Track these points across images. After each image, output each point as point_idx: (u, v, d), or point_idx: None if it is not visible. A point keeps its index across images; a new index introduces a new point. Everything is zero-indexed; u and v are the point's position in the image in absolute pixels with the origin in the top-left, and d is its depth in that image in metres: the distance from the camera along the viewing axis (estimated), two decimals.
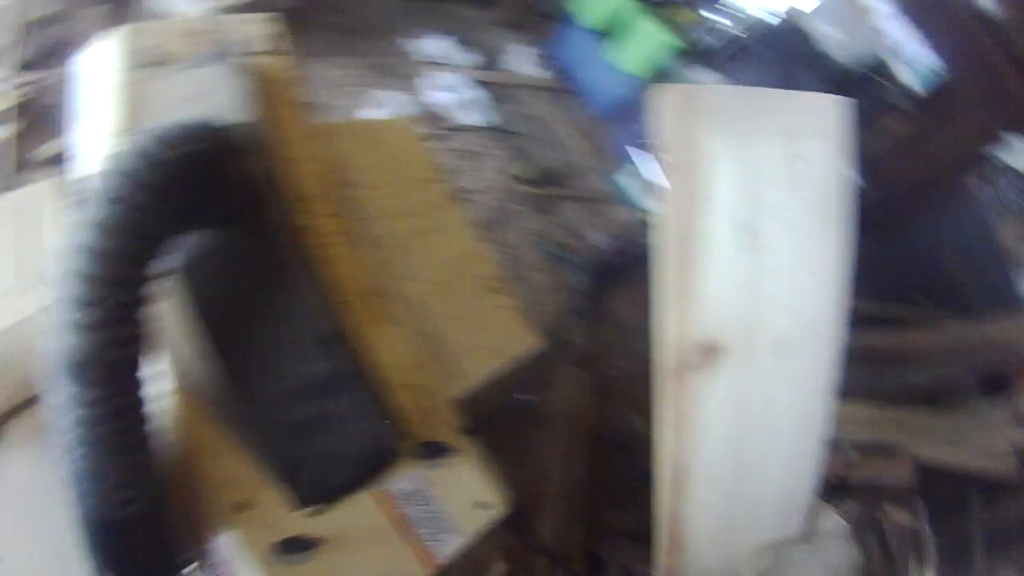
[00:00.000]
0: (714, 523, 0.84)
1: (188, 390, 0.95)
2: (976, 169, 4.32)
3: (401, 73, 4.03)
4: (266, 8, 3.47)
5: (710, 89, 0.60)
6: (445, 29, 4.39)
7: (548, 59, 4.52)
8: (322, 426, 0.95)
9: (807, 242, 0.67)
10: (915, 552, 2.63)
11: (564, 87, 4.45)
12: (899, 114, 4.89)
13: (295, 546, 0.90)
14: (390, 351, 1.16)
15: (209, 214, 0.93)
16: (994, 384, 3.25)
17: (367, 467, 1.00)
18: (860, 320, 3.31)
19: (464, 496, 1.11)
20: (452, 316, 1.58)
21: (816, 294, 0.71)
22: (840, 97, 0.69)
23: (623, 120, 4.34)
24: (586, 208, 3.84)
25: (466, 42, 4.34)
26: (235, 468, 0.94)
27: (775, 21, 3.96)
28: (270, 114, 1.23)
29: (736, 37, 3.99)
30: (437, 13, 4.52)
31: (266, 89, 1.27)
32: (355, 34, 4.13)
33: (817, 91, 3.77)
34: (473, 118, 3.86)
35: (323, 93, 3.69)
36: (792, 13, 3.87)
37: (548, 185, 3.84)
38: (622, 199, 3.89)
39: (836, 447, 2.73)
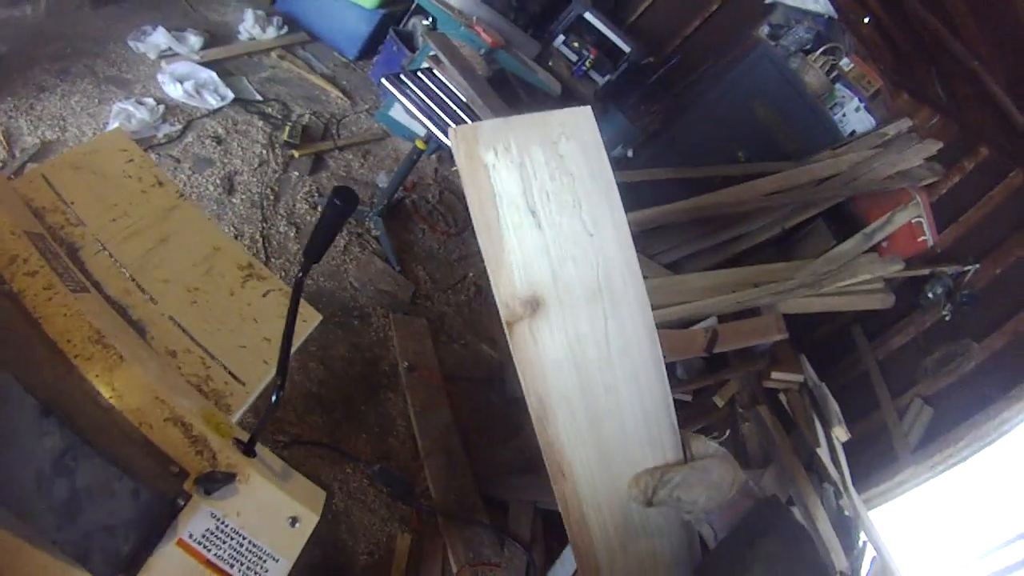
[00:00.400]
0: (588, 450, 0.99)
1: None
2: (756, 16, 4.94)
3: (135, 78, 4.07)
4: None
5: (490, 123, 0.86)
6: (166, 19, 4.43)
7: (278, 15, 4.66)
8: (85, 499, 0.94)
9: (577, 212, 0.98)
10: (815, 409, 3.13)
11: (302, 40, 4.61)
12: None
13: None
14: (133, 392, 1.15)
15: None
16: (842, 223, 3.83)
17: (149, 526, 0.98)
18: (689, 186, 3.83)
19: (270, 518, 1.10)
20: (215, 321, 1.66)
21: (603, 246, 0.99)
22: (586, 107, 1.00)
23: (370, 56, 4.62)
24: (361, 152, 4.06)
25: (189, 25, 4.39)
26: (40, 564, 0.99)
27: None
28: None
29: None
30: (154, 5, 4.56)
31: None
32: (80, 55, 4.13)
33: None
34: (215, 99, 3.95)
35: (63, 125, 3.76)
36: None
37: (319, 141, 4.02)
38: (395, 132, 4.23)
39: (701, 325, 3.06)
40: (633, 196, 3.90)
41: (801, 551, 0.91)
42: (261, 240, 3.45)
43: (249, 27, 4.48)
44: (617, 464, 0.98)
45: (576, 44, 5.01)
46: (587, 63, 4.98)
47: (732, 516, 0.93)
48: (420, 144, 3.38)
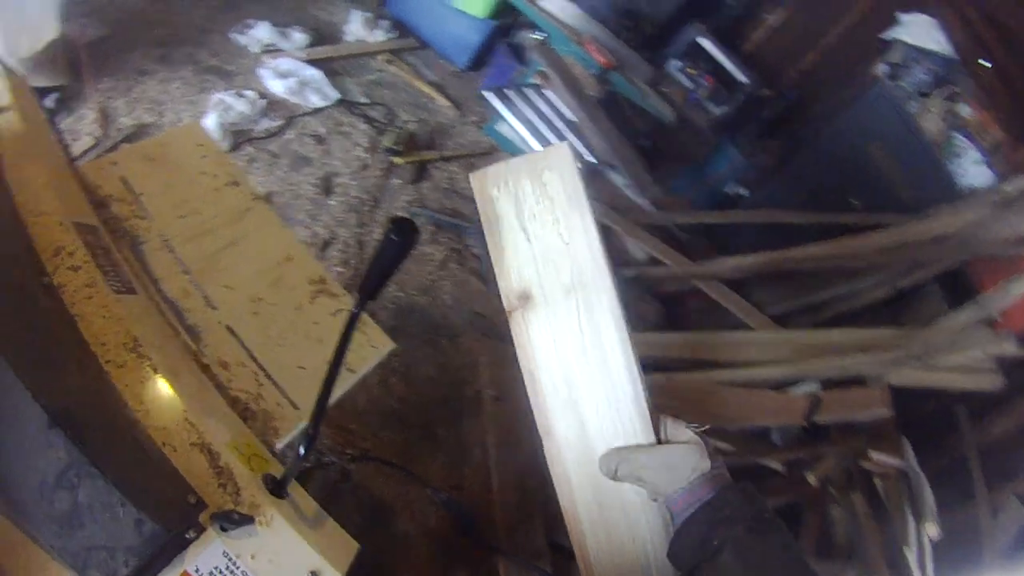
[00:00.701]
0: (569, 419, 1.14)
1: None
2: (873, 53, 4.59)
3: (236, 70, 3.99)
4: (71, 43, 3.52)
5: (494, 167, 1.03)
6: (272, 14, 4.36)
7: (387, 19, 4.54)
8: (87, 516, 0.93)
9: (556, 228, 1.18)
10: (910, 499, 2.79)
11: (411, 45, 4.46)
12: (773, 4, 5.25)
13: None
14: (162, 409, 1.10)
15: None
16: (957, 287, 3.43)
17: (151, 555, 0.94)
18: (800, 232, 3.52)
19: (287, 568, 1.04)
20: (276, 336, 1.53)
21: (576, 253, 1.18)
22: (563, 144, 1.23)
23: (480, 67, 4.44)
24: (466, 165, 3.86)
25: (296, 23, 4.29)
26: (32, 562, 0.99)
27: None
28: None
29: None
30: (259, 2, 4.50)
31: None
32: (182, 42, 4.08)
33: None
34: (319, 98, 3.83)
35: (160, 110, 3.69)
36: None
37: (423, 150, 3.83)
38: (503, 147, 4.04)
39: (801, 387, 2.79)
40: (742, 238, 3.72)
41: (772, 540, 0.93)
42: (355, 245, 3.30)
43: (356, 29, 4.38)
44: (592, 437, 1.11)
45: (691, 71, 4.76)
46: (702, 92, 4.72)
47: (692, 500, 0.97)
48: None
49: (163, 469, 1.02)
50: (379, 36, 4.40)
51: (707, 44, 4.65)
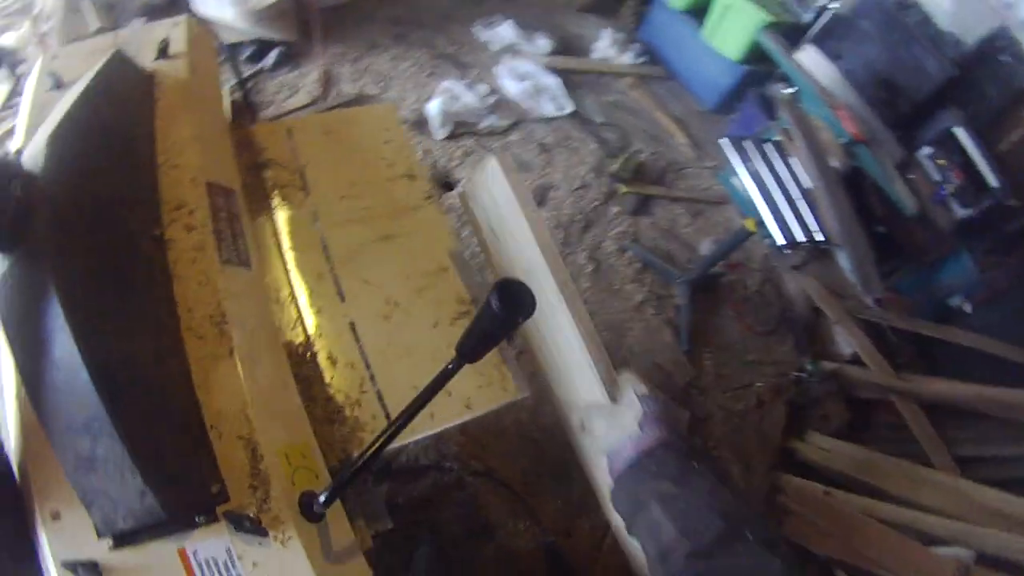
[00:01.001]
0: (549, 363, 1.38)
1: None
2: None
3: (472, 62, 4.11)
4: (306, 3, 3.77)
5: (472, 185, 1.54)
6: (519, 15, 4.46)
7: (638, 43, 4.56)
8: (99, 466, 0.93)
9: (505, 230, 1.39)
10: None
11: (658, 74, 4.46)
12: None
13: (88, 569, 0.94)
14: (224, 392, 1.07)
15: None
16: None
17: (145, 523, 0.94)
18: (1015, 373, 3.19)
19: None
20: (399, 348, 1.44)
21: (523, 248, 1.36)
22: (493, 159, 1.45)
23: (727, 111, 4.22)
24: (692, 210, 3.74)
25: (543, 28, 4.40)
26: (53, 477, 0.99)
27: None
28: (147, 118, 1.37)
29: (831, 11, 3.95)
30: (508, 1, 4.61)
31: (147, 93, 1.42)
32: (421, 25, 4.28)
33: (929, 73, 3.40)
34: (553, 107, 3.88)
35: (385, 85, 3.83)
36: None
37: (650, 183, 3.77)
38: (734, 199, 3.69)
39: None
40: (955, 361, 3.35)
41: (698, 488, 0.98)
42: None
43: (604, 47, 4.45)
44: (564, 387, 1.34)
45: (941, 162, 4.26)
46: (949, 187, 4.12)
47: (625, 458, 1.07)
48: (749, 225, 2.97)
49: (198, 450, 1.02)
50: (627, 59, 4.45)
51: (962, 135, 4.17)
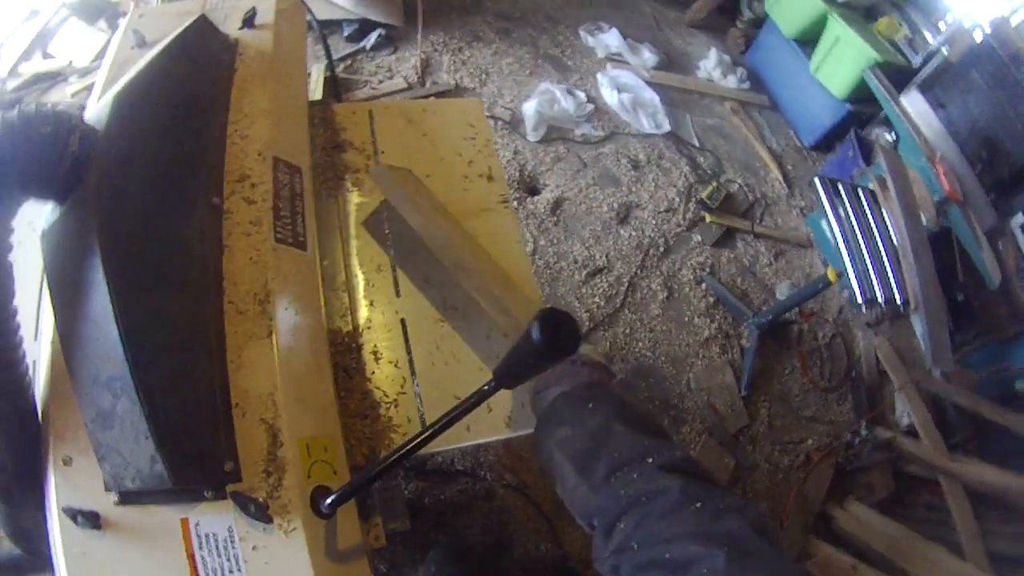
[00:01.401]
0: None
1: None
2: None
3: (574, 67, 4.07)
4: None
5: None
6: (626, 24, 4.40)
7: (744, 68, 4.47)
8: (115, 423, 0.94)
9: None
10: None
11: (761, 102, 4.37)
12: None
13: (88, 518, 0.95)
14: (255, 372, 1.05)
15: (48, 188, 1.03)
16: None
17: (150, 487, 0.94)
18: None
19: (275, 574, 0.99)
20: (447, 354, 1.41)
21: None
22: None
23: (825, 149, 4.11)
24: (775, 249, 3.65)
25: (646, 40, 4.33)
26: (71, 424, 1.00)
27: (980, 35, 3.74)
28: (223, 86, 1.37)
29: (941, 56, 3.80)
30: (615, 6, 4.59)
31: (227, 61, 1.42)
32: (527, 23, 4.23)
33: None
34: (650, 123, 3.81)
35: (483, 79, 3.81)
36: (999, 26, 3.62)
37: (736, 215, 3.70)
38: (819, 244, 3.60)
39: None
40: (1012, 450, 3.14)
41: (590, 428, 0.97)
42: (626, 285, 3.18)
43: (710, 67, 4.38)
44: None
45: None
46: None
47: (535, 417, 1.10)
48: (831, 275, 2.88)
49: (218, 425, 1.00)
50: (731, 83, 4.36)
51: None
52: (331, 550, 1.03)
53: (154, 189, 1.12)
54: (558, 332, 0.86)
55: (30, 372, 1.04)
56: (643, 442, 0.92)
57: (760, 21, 4.53)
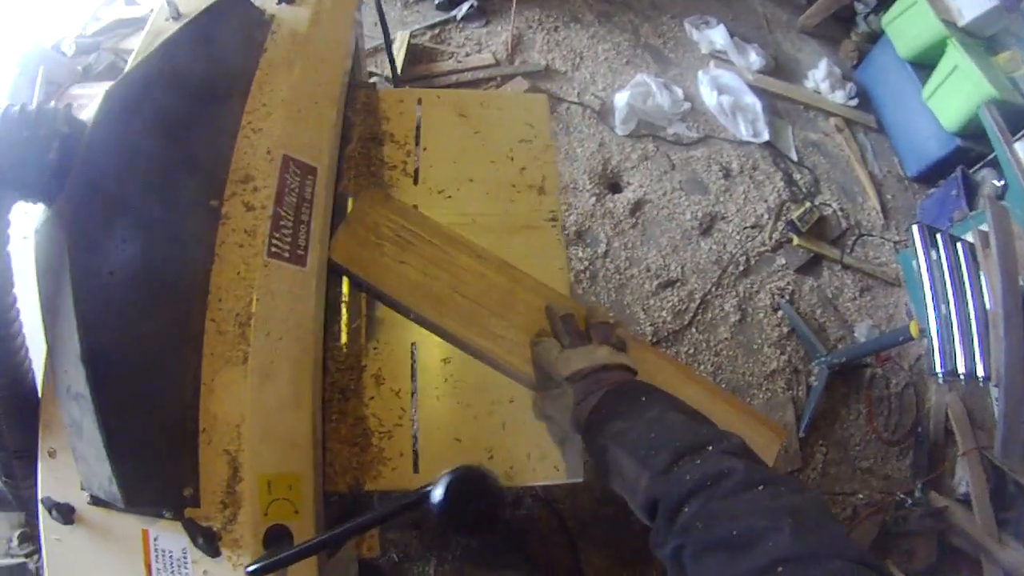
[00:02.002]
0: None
1: None
2: None
3: (674, 61, 3.83)
4: None
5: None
6: (735, 22, 4.14)
7: (854, 83, 4.15)
8: (82, 437, 0.92)
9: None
10: None
11: (868, 123, 4.04)
12: None
13: (62, 512, 0.97)
14: (225, 398, 1.00)
15: (33, 191, 0.99)
16: None
17: (111, 502, 0.94)
18: None
19: None
20: (453, 390, 1.29)
21: None
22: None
23: (928, 183, 3.82)
24: (862, 284, 3.38)
25: (754, 41, 4.05)
26: (58, 418, 1.00)
27: None
28: (248, 69, 1.27)
29: None
30: (729, 3, 4.30)
31: (256, 40, 1.31)
32: (629, 9, 3.99)
33: None
34: (748, 130, 3.56)
35: (577, 63, 3.61)
36: None
37: (826, 242, 3.44)
38: (908, 287, 3.35)
39: None
40: None
41: (647, 419, 0.97)
42: (698, 301, 3.00)
43: (819, 78, 4.06)
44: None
45: None
46: None
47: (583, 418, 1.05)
48: (913, 330, 2.61)
49: (182, 450, 0.98)
50: (839, 97, 4.04)
51: None
52: None
53: (146, 190, 1.05)
54: (464, 505, 0.80)
55: (31, 358, 1.04)
56: (702, 431, 0.92)
57: (876, 36, 4.19)
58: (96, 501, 0.97)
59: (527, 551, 2.47)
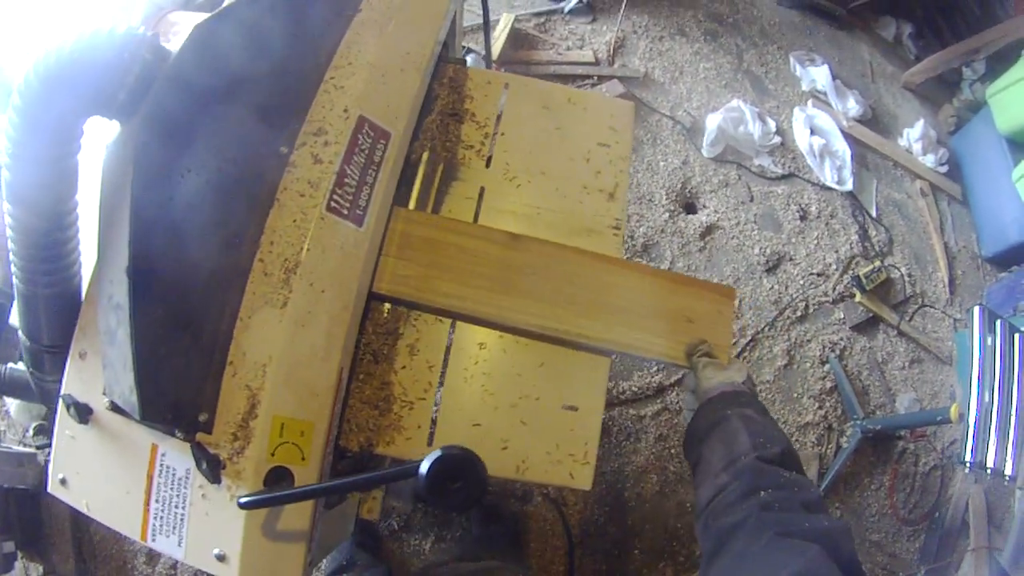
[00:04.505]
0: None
1: None
2: None
3: (773, 92, 3.66)
4: None
5: None
6: (840, 65, 3.93)
7: (947, 149, 3.92)
8: (113, 346, 0.94)
9: None
10: None
11: (953, 192, 3.82)
12: None
13: (79, 411, 1.01)
14: (258, 336, 1.01)
15: (109, 108, 0.99)
16: None
17: (128, 410, 0.94)
18: None
19: (210, 531, 0.99)
20: (482, 374, 1.26)
21: None
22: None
23: (1003, 266, 3.61)
24: (914, 354, 3.21)
25: (856, 87, 3.85)
26: (95, 323, 1.03)
27: None
28: (339, 28, 1.25)
29: None
30: (834, 43, 4.09)
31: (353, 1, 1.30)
32: (738, 32, 3.84)
33: None
34: (834, 176, 3.38)
35: (676, 76, 3.48)
36: None
37: (886, 304, 3.26)
38: (959, 365, 3.18)
39: None
40: None
41: (772, 421, 1.12)
42: (749, 338, 2.90)
43: (913, 137, 3.82)
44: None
45: None
46: None
47: (728, 388, 1.18)
48: (953, 413, 2.45)
49: (207, 377, 0.99)
50: (929, 161, 3.81)
51: None
52: (269, 528, 1.01)
53: (218, 125, 1.05)
54: (446, 484, 0.82)
55: (81, 262, 1.08)
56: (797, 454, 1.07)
57: (978, 105, 3.92)
58: (115, 408, 1.00)
59: (525, 546, 2.41)
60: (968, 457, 2.20)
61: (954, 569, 2.85)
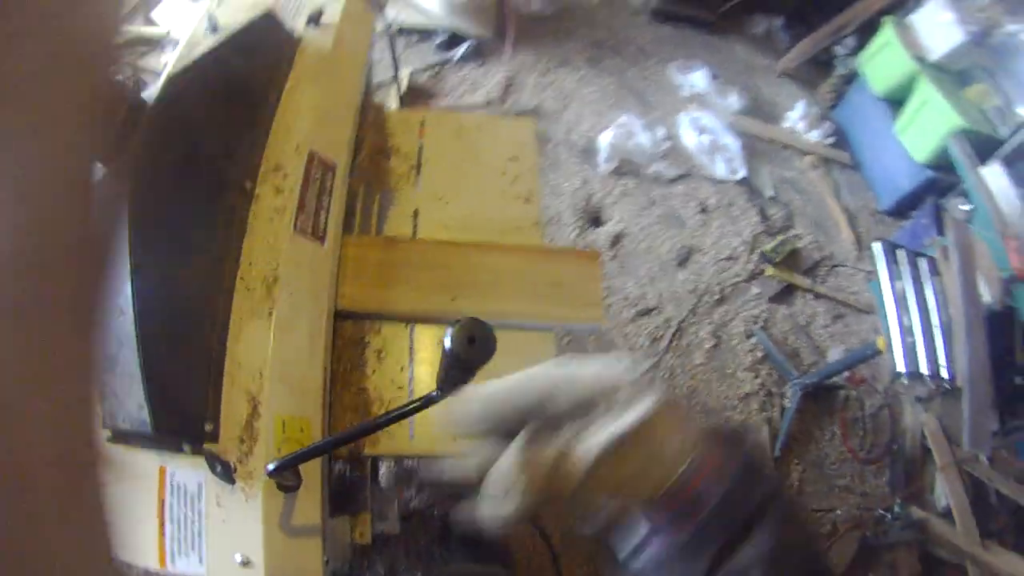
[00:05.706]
0: None
1: None
2: None
3: (656, 103, 3.88)
4: (507, 6, 3.73)
5: None
6: (718, 67, 4.17)
7: (830, 122, 4.18)
8: (115, 365, 0.97)
9: None
10: None
11: (842, 160, 4.06)
12: None
13: None
14: (250, 348, 1.09)
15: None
16: None
17: (135, 430, 0.98)
18: None
19: (230, 537, 1.00)
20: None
21: None
22: None
23: (901, 215, 3.83)
24: (834, 312, 3.37)
25: (735, 84, 4.09)
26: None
27: None
28: (279, 80, 1.39)
29: None
30: (709, 48, 4.35)
31: (285, 56, 1.44)
32: (617, 53, 4.08)
33: None
34: (724, 169, 3.58)
35: (565, 103, 3.68)
36: None
37: (798, 272, 3.44)
38: (880, 312, 3.33)
39: None
40: None
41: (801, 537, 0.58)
42: (674, 328, 3.01)
43: (795, 118, 4.08)
44: None
45: None
46: None
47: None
48: (880, 344, 2.61)
49: (207, 389, 1.05)
50: (814, 136, 4.06)
51: None
52: (285, 523, 1.05)
53: (192, 164, 1.18)
54: (471, 343, 0.79)
55: None
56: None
57: (853, 77, 4.22)
58: (117, 436, 1.01)
59: (512, 567, 2.44)
60: (903, 368, 2.35)
61: (928, 493, 2.96)
